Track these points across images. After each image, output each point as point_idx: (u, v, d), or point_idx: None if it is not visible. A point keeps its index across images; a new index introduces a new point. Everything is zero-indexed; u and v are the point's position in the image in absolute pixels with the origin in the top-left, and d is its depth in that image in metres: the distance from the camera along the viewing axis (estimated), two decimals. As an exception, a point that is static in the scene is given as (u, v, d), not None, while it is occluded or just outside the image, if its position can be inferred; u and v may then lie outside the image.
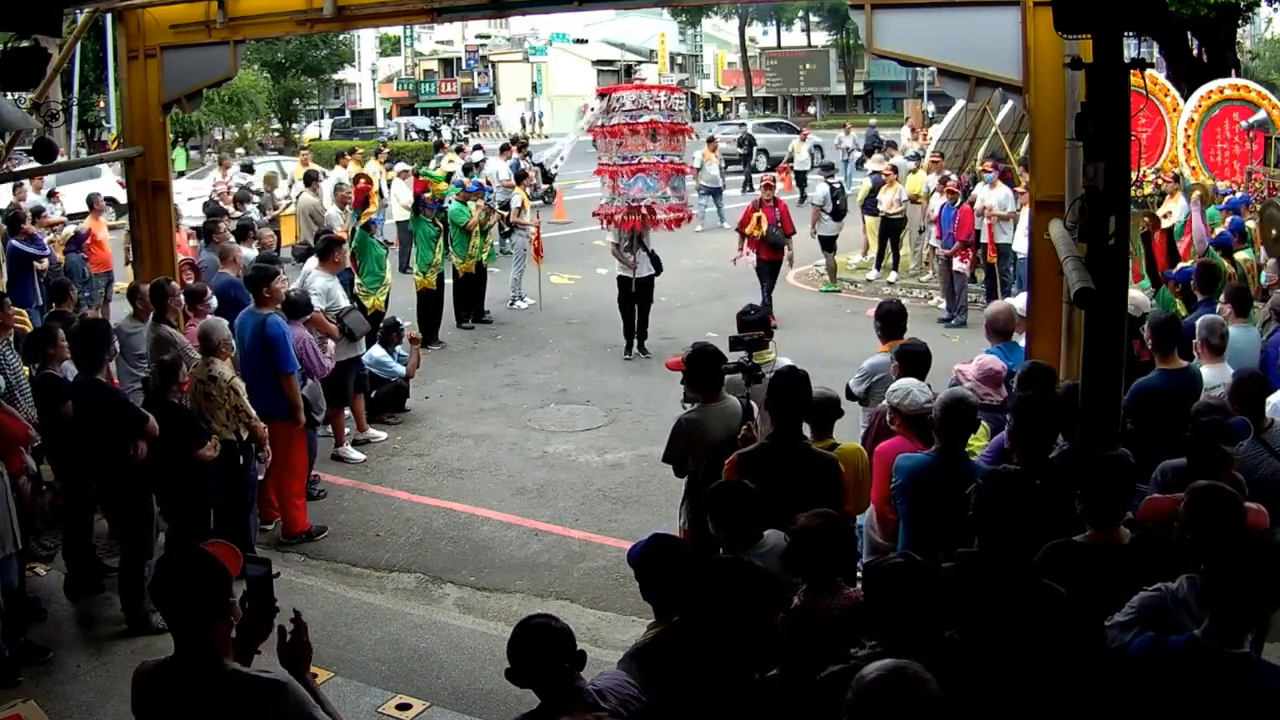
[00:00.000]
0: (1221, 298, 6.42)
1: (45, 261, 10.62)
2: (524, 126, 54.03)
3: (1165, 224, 10.56)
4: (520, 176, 14.22)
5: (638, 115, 10.67)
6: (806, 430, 4.62)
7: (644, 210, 10.58)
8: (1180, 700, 2.69)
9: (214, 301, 7.19)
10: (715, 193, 19.83)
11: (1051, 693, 2.83)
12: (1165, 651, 2.76)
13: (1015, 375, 5.09)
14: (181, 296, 7.08)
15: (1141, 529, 3.49)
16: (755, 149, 28.06)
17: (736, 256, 12.41)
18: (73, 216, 13.49)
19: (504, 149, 17.97)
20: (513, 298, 13.35)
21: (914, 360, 5.12)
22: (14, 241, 10.39)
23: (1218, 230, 9.42)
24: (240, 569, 2.76)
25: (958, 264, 12.50)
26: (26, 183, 12.98)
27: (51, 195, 14.57)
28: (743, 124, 33.65)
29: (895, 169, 14.91)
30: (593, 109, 10.97)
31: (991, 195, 12.37)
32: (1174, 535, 3.29)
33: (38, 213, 11.75)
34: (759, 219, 12.01)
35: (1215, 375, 5.26)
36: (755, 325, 5.91)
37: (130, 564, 5.56)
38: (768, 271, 12.31)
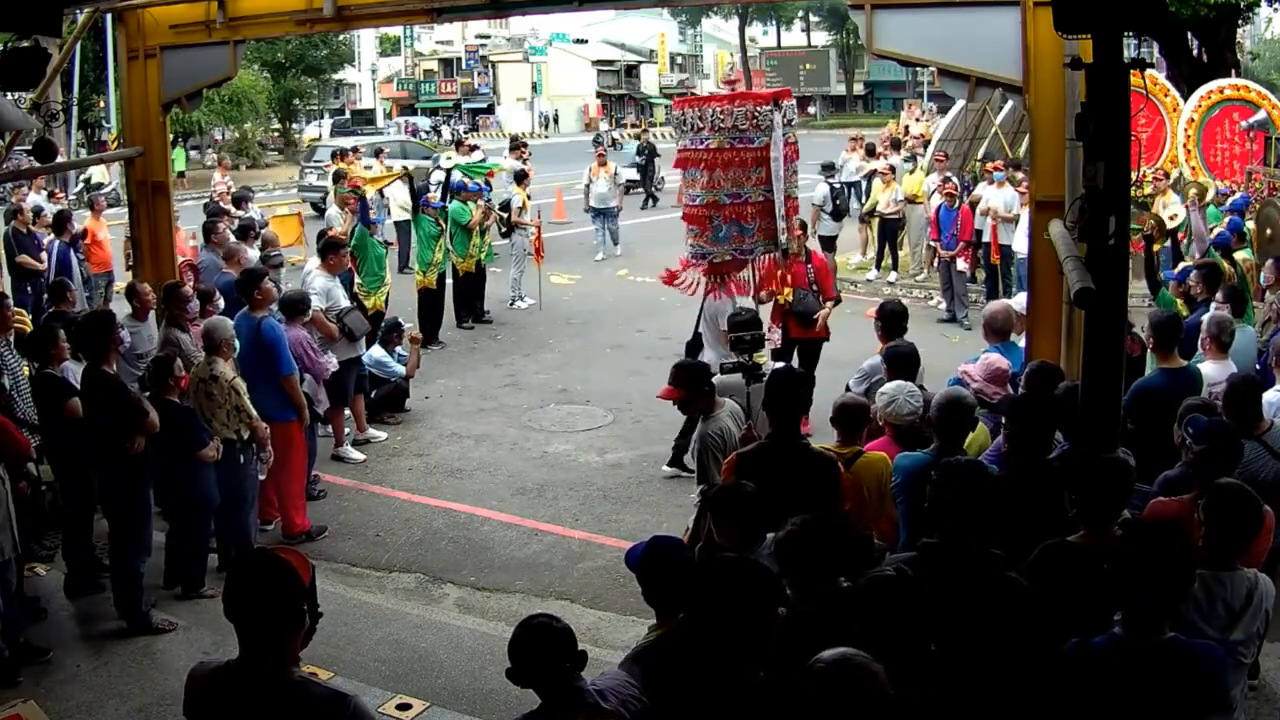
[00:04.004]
0: (1219, 297, 6.43)
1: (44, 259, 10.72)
2: (546, 125, 53.84)
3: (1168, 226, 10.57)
4: (520, 176, 14.18)
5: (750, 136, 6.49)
6: (832, 435, 4.62)
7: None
8: (1110, 694, 2.77)
9: (221, 302, 7.21)
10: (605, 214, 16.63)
11: (1006, 689, 2.85)
12: (1090, 651, 2.84)
13: (1018, 375, 5.09)
14: (195, 303, 7.12)
15: (1133, 528, 3.48)
16: (657, 159, 21.78)
17: (766, 338, 7.63)
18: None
19: (513, 148, 17.93)
20: (513, 298, 13.35)
21: (901, 362, 5.11)
22: (58, 242, 10.81)
23: (1216, 230, 9.44)
24: (311, 578, 2.65)
25: (960, 264, 12.52)
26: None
27: (52, 195, 14.60)
28: (644, 129, 28.31)
29: (893, 169, 14.89)
30: (677, 125, 6.88)
31: (997, 196, 12.34)
32: (1195, 536, 3.28)
33: (37, 213, 11.78)
34: (782, 277, 7.95)
35: (1219, 371, 5.28)
36: (746, 326, 5.90)
37: (127, 562, 5.54)
38: (797, 359, 8.22)
